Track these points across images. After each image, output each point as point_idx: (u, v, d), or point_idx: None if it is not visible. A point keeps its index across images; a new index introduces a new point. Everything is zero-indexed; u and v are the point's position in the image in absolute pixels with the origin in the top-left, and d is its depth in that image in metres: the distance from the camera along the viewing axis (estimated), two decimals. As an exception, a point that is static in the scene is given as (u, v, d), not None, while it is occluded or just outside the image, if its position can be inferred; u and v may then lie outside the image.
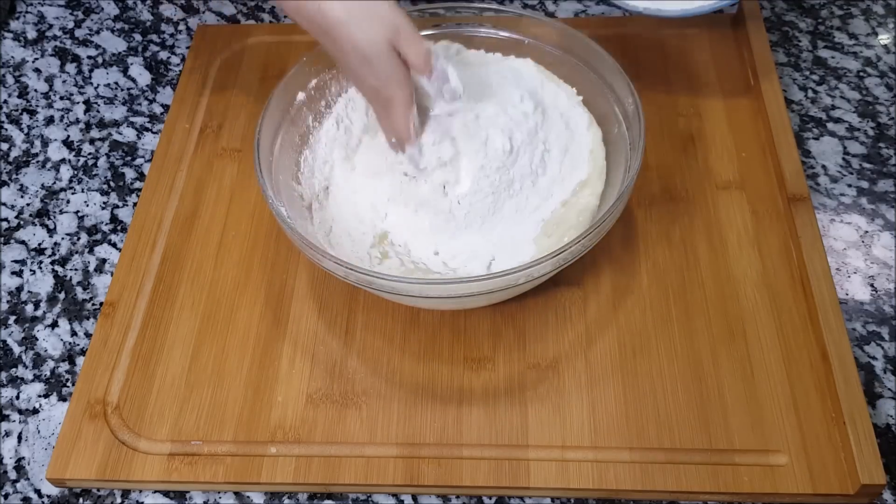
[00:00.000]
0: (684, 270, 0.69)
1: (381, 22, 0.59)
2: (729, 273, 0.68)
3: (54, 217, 0.78)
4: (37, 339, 0.70)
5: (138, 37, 0.93)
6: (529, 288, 0.64)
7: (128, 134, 0.85)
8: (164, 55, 0.91)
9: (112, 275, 0.72)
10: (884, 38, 0.88)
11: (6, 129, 0.85)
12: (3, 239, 0.77)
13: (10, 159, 0.83)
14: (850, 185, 0.76)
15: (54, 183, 0.81)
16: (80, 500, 0.62)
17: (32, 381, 0.68)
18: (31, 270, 0.75)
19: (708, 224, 0.71)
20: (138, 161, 0.82)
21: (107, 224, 0.77)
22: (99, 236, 0.77)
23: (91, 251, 0.76)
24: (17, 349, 0.70)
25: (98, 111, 0.87)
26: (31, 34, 0.94)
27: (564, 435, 0.61)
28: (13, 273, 0.75)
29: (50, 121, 0.86)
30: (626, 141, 0.66)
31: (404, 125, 0.62)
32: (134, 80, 0.89)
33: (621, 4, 0.77)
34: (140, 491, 0.62)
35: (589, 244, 0.60)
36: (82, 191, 0.80)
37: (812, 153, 0.79)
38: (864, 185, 0.76)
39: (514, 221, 0.66)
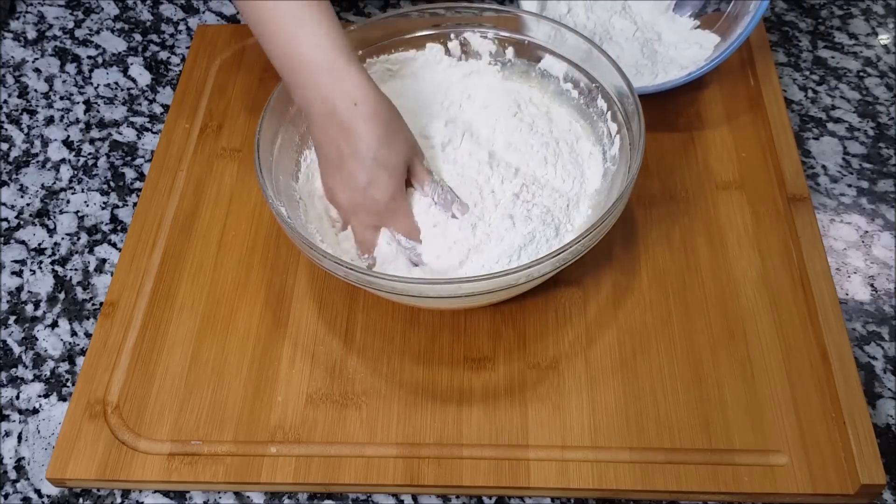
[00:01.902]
0: (684, 270, 0.69)
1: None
2: (729, 273, 0.68)
3: (54, 217, 0.78)
4: (37, 339, 0.70)
5: (138, 37, 0.93)
6: (529, 288, 0.64)
7: (128, 134, 0.85)
8: (164, 55, 0.91)
9: (112, 275, 0.72)
10: (884, 38, 0.88)
11: (6, 129, 0.85)
12: (3, 239, 0.77)
13: (10, 159, 0.83)
14: (850, 185, 0.76)
15: (54, 183, 0.81)
16: (80, 500, 0.62)
17: (32, 381, 0.68)
18: (31, 270, 0.75)
19: (708, 224, 0.71)
20: (138, 161, 0.82)
21: (107, 224, 0.77)
22: (99, 236, 0.77)
23: (91, 251, 0.76)
24: (17, 349, 0.70)
25: (98, 111, 0.87)
26: (31, 34, 0.94)
27: (564, 435, 0.61)
28: (13, 273, 0.75)
29: (50, 121, 0.86)
30: (626, 141, 0.66)
31: (415, 230, 0.65)
32: (134, 80, 0.89)
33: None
34: (140, 491, 0.62)
35: (589, 244, 0.60)
36: (82, 191, 0.80)
37: (812, 153, 0.79)
38: (864, 185, 0.76)
39: None
